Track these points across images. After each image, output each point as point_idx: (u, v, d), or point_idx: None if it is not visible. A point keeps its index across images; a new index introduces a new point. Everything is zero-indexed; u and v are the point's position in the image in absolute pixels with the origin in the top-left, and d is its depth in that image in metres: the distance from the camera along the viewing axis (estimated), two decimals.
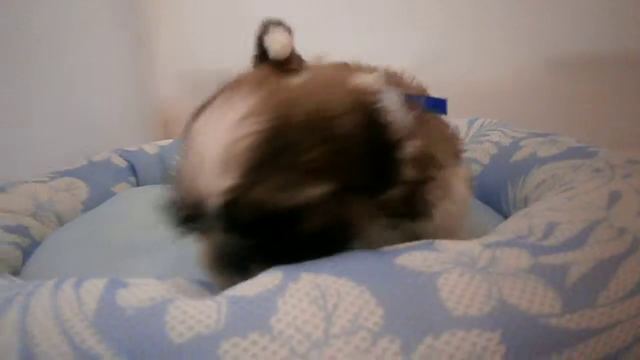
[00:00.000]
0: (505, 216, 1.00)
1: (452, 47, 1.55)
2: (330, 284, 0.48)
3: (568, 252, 0.53)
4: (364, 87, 0.58)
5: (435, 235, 0.61)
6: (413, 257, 0.52)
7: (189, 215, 0.54)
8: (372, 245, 0.57)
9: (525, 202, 0.90)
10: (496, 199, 1.03)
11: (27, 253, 0.97)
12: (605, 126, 1.38)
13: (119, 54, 1.78)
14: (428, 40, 1.54)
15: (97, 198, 1.24)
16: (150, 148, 1.50)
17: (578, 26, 1.53)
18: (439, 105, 0.76)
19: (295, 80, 0.57)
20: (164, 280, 0.54)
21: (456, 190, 0.72)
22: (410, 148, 0.57)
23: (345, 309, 0.45)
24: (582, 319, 0.46)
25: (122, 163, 1.41)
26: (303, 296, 0.47)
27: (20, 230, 0.99)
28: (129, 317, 0.45)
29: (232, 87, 0.55)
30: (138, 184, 1.42)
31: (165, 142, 1.55)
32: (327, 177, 0.51)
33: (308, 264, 0.52)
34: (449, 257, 0.52)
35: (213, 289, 0.57)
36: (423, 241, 0.57)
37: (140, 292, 0.49)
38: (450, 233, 0.66)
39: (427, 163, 0.62)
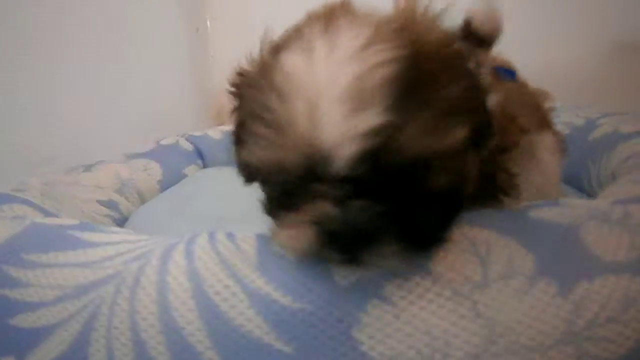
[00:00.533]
0: (588, 194, 1.00)
1: (517, 31, 1.54)
2: (476, 234, 0.50)
3: None
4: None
5: None
6: (546, 212, 0.54)
7: (290, 181, 0.43)
8: None
9: (613, 177, 0.91)
10: (576, 178, 1.04)
11: (119, 225, 1.01)
12: None
13: (178, 45, 1.83)
14: None
15: (171, 178, 1.29)
16: (215, 133, 1.54)
17: None
18: (510, 74, 0.75)
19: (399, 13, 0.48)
20: None
21: (543, 160, 0.67)
22: (491, 102, 0.50)
23: (498, 256, 0.47)
24: None
25: (189, 147, 1.45)
26: (454, 244, 0.49)
27: (112, 205, 1.03)
28: (290, 262, 0.48)
29: (321, 20, 0.44)
30: (205, 167, 1.46)
31: (228, 127, 1.58)
32: (464, 119, 0.43)
33: None
34: (581, 212, 0.53)
35: None
36: (547, 200, 0.59)
37: None
38: None
39: (508, 125, 0.57)
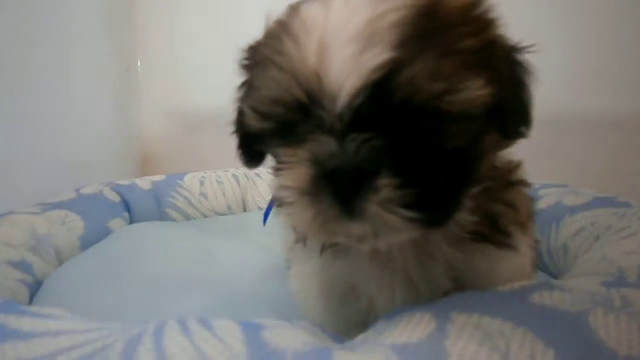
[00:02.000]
0: (539, 266, 1.01)
1: None
2: (488, 324, 0.45)
3: None
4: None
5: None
6: (547, 297, 0.51)
7: (289, 117, 0.44)
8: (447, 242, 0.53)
9: (565, 249, 0.92)
10: None
11: (32, 291, 0.85)
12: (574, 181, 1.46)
13: (103, 86, 1.69)
14: None
15: (94, 234, 1.14)
16: (143, 183, 1.40)
17: (551, 88, 1.67)
18: None
19: None
20: (293, 324, 0.48)
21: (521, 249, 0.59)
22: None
23: (518, 351, 0.43)
24: None
25: (115, 197, 1.31)
26: (469, 337, 0.44)
27: (24, 266, 0.87)
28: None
29: None
30: (132, 221, 1.32)
31: (158, 177, 1.46)
32: (484, 78, 0.43)
33: (451, 303, 0.49)
34: (583, 297, 0.51)
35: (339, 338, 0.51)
36: (540, 281, 0.57)
37: (287, 334, 0.44)
38: None
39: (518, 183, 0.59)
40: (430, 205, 0.42)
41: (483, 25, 0.47)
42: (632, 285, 0.56)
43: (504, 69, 0.47)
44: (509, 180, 0.58)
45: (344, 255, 0.56)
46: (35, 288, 0.88)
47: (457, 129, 0.43)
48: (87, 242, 1.10)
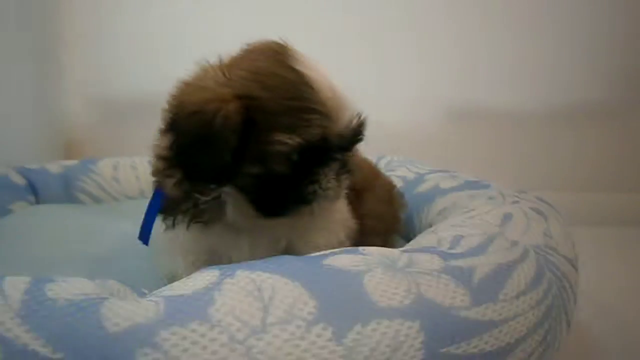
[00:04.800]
0: None
1: (363, 87, 1.68)
2: (264, 279, 0.50)
3: (473, 257, 0.61)
4: None
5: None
6: (340, 259, 0.57)
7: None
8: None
9: (430, 227, 0.99)
10: (405, 228, 1.11)
11: None
12: (487, 170, 1.54)
13: (24, 72, 1.68)
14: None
15: None
16: (54, 167, 1.41)
17: (475, 80, 1.76)
18: None
19: None
20: (93, 280, 0.52)
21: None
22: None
23: (281, 300, 0.48)
24: (487, 311, 0.53)
25: (21, 181, 1.31)
26: (239, 289, 0.49)
27: None
28: (60, 307, 0.44)
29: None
30: (38, 203, 1.33)
31: (70, 162, 1.47)
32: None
33: (243, 264, 0.54)
34: (372, 260, 0.57)
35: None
36: (350, 248, 0.62)
37: (72, 287, 0.48)
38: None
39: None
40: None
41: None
42: (429, 252, 0.62)
43: None
44: None
45: (210, 230, 0.73)
46: None
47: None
48: None
